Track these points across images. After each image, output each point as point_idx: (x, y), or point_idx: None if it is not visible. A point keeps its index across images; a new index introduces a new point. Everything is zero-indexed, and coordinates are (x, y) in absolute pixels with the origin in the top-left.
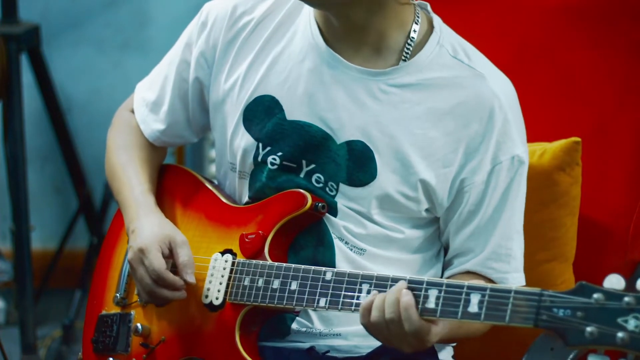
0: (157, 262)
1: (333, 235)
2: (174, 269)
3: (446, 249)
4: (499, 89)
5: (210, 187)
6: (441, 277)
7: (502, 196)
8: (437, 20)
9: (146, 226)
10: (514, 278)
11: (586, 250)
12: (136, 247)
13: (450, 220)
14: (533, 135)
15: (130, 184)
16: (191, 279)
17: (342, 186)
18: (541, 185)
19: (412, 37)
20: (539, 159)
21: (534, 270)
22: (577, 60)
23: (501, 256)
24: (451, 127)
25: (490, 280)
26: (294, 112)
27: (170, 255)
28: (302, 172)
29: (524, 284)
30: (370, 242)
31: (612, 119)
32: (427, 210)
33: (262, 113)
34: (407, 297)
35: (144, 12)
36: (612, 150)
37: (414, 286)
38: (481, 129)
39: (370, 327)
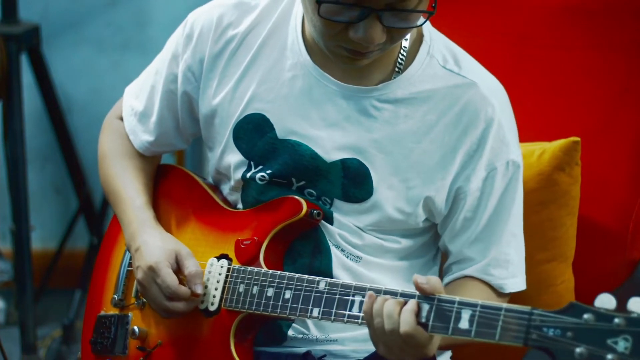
0: (170, 278)
1: (329, 243)
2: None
3: (444, 255)
4: (491, 95)
5: (207, 189)
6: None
7: (499, 202)
8: (426, 26)
9: (149, 243)
10: (513, 283)
11: (586, 250)
12: (145, 266)
13: (447, 228)
14: (532, 135)
15: (127, 197)
16: (199, 290)
17: (337, 201)
18: (541, 185)
19: (405, 47)
20: (539, 158)
21: (534, 270)
22: (577, 59)
23: (500, 262)
24: (446, 139)
25: (490, 286)
26: (284, 130)
27: (177, 269)
28: (294, 187)
29: (524, 288)
30: (366, 250)
31: (612, 119)
32: (425, 220)
33: (253, 131)
34: (407, 306)
35: (144, 12)
36: (612, 150)
37: (405, 299)
38: (476, 137)
39: (373, 334)
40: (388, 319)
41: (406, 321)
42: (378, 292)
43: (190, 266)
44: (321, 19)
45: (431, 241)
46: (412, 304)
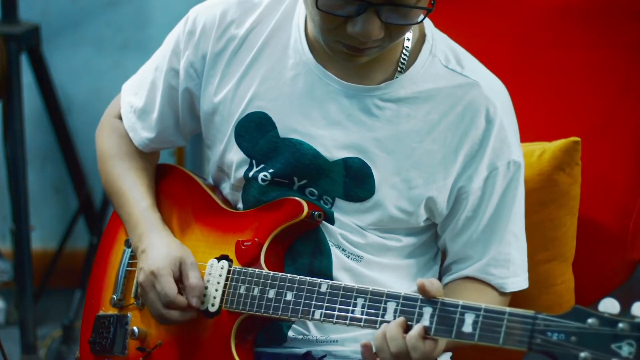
0: (169, 286)
1: (330, 243)
2: (180, 285)
3: (443, 254)
4: (493, 95)
5: (207, 189)
6: (439, 280)
7: (499, 201)
8: (428, 26)
9: (156, 246)
10: (514, 282)
11: (586, 250)
12: (148, 269)
13: (448, 227)
14: (533, 135)
15: (132, 199)
16: (196, 303)
17: (339, 201)
18: (541, 185)
19: (407, 47)
20: (539, 159)
21: (534, 270)
22: (576, 60)
23: (500, 262)
24: (448, 138)
25: (490, 286)
26: (286, 129)
27: (179, 277)
28: (295, 186)
29: (526, 286)
30: (368, 250)
31: (612, 119)
32: (426, 219)
33: (254, 130)
34: (413, 332)
35: (144, 12)
36: (612, 150)
37: (408, 303)
38: (478, 136)
39: None
40: (392, 342)
41: (416, 348)
42: (380, 295)
43: (192, 277)
44: (320, 12)
45: (432, 240)
46: (417, 329)
